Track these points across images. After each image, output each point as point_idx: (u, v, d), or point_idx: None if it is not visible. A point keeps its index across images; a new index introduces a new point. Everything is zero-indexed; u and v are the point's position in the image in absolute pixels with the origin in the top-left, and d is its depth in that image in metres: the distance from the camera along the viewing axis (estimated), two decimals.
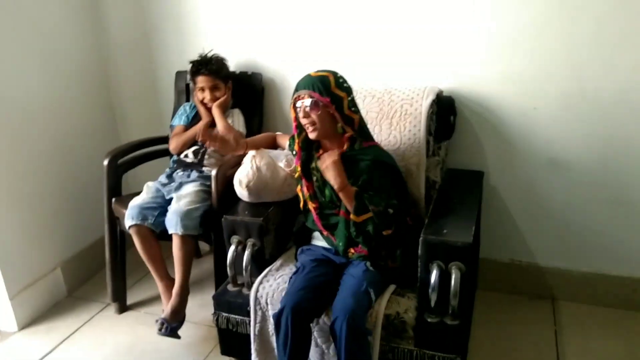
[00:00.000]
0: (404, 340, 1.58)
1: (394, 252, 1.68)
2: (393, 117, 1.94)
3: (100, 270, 2.46)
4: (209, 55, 2.19)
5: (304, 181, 1.75)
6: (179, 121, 2.27)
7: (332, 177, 1.61)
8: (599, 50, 1.86)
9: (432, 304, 1.50)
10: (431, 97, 1.92)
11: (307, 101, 1.60)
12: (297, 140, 1.73)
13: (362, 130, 1.69)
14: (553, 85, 1.95)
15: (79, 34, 2.45)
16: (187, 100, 2.36)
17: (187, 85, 2.39)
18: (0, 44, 2.06)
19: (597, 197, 2.04)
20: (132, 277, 2.43)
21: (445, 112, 1.99)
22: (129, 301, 2.34)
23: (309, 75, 1.63)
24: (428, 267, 1.51)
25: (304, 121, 1.64)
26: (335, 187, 1.61)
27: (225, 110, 2.18)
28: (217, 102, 2.16)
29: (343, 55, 2.16)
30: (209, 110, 2.19)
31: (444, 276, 1.48)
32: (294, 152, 1.77)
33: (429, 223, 1.60)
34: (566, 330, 2.04)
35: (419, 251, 1.51)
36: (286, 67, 2.30)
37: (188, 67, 2.23)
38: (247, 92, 2.30)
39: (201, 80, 2.16)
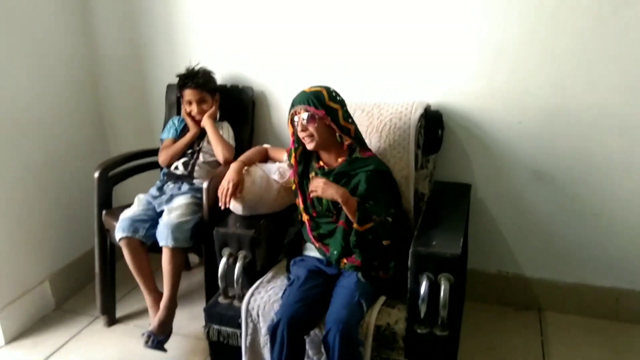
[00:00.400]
0: (394, 351, 1.60)
1: (387, 263, 1.71)
2: (382, 131, 1.97)
3: (89, 283, 2.45)
4: (196, 68, 2.21)
5: (299, 193, 1.79)
6: (168, 134, 2.29)
7: (333, 194, 1.64)
8: (581, 67, 1.92)
9: (422, 315, 1.53)
10: (419, 111, 1.96)
11: (304, 115, 1.68)
12: (294, 154, 1.79)
13: (359, 140, 1.78)
14: (537, 101, 2.00)
15: (69, 47, 2.46)
16: (179, 113, 2.37)
17: (178, 98, 2.40)
18: None
19: (580, 210, 2.09)
20: (121, 290, 2.42)
21: (433, 125, 2.03)
22: (118, 314, 2.33)
23: (303, 92, 1.71)
24: (418, 279, 1.53)
25: (302, 134, 1.71)
26: (340, 200, 1.63)
27: (214, 122, 2.20)
28: (207, 114, 2.18)
29: (332, 70, 2.20)
30: (196, 122, 2.21)
31: (434, 287, 1.51)
32: (291, 165, 1.83)
33: (418, 235, 1.63)
34: (552, 340, 2.07)
35: (409, 262, 1.54)
36: (276, 81, 2.33)
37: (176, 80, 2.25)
38: (238, 105, 2.33)
39: (188, 94, 2.18)
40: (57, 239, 2.44)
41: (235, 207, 1.84)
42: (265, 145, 2.07)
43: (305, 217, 1.80)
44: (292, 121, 1.74)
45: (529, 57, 1.96)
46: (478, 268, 2.27)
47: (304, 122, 1.68)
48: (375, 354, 1.60)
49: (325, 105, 1.67)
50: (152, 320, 1.95)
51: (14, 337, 2.22)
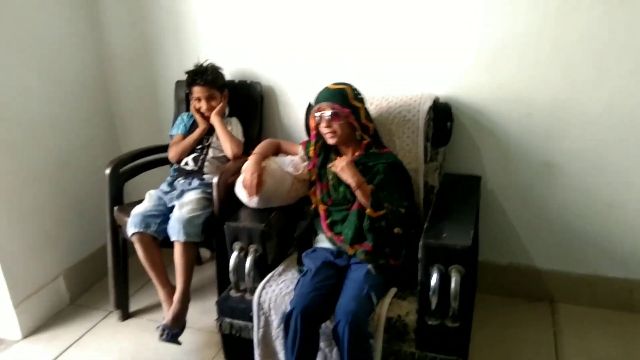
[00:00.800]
0: (405, 343, 1.60)
1: (399, 251, 1.72)
2: (392, 124, 1.97)
3: (102, 278, 2.48)
4: (205, 65, 2.22)
5: (318, 183, 1.85)
6: (177, 130, 2.30)
7: (348, 176, 1.72)
8: (590, 58, 1.90)
9: (433, 306, 1.53)
10: (428, 103, 1.95)
11: (329, 112, 1.75)
12: (314, 147, 1.87)
13: (376, 137, 1.86)
14: (546, 92, 1.98)
15: (78, 46, 2.48)
16: (188, 109, 2.39)
17: (187, 95, 2.42)
18: (0, 60, 2.08)
19: (593, 201, 2.07)
20: (135, 285, 2.44)
21: (442, 118, 2.02)
22: (132, 308, 2.36)
23: (328, 89, 1.79)
24: (428, 271, 1.53)
25: (325, 130, 1.78)
26: (353, 185, 1.71)
27: (222, 118, 2.21)
28: (215, 110, 2.19)
29: (340, 64, 2.20)
30: (205, 118, 2.22)
31: (444, 279, 1.51)
32: (309, 157, 1.89)
33: (428, 227, 1.63)
34: (565, 331, 2.06)
35: (419, 255, 1.54)
36: (285, 76, 2.33)
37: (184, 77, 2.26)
38: (247, 100, 2.33)
39: (197, 91, 2.19)
40: (71, 235, 2.48)
41: (251, 200, 1.85)
42: (273, 140, 2.08)
43: (321, 207, 1.84)
44: (313, 116, 1.80)
45: (537, 49, 1.94)
46: (489, 260, 2.27)
47: (329, 119, 1.75)
48: (386, 346, 1.60)
49: (349, 104, 1.75)
50: (166, 314, 1.97)
51: (31, 332, 2.25)
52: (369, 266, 1.68)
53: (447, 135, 2.07)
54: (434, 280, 1.51)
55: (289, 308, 1.59)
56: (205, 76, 2.18)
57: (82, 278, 2.53)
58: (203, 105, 2.20)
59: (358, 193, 1.71)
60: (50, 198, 2.36)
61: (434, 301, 1.52)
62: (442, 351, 1.57)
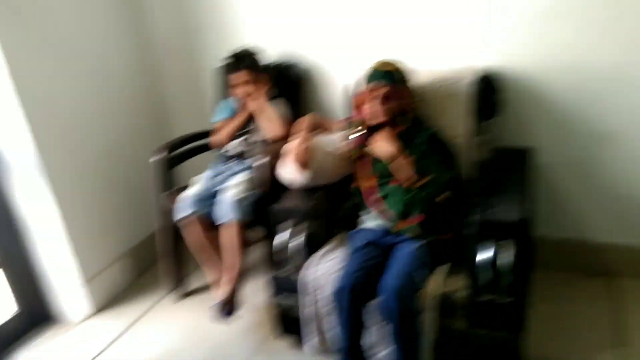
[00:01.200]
0: (456, 320, 1.58)
1: (445, 224, 1.71)
2: (436, 98, 1.92)
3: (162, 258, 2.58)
4: (242, 51, 2.21)
5: (360, 162, 1.87)
6: (221, 116, 2.33)
7: (389, 147, 1.74)
8: None
9: (485, 282, 1.50)
10: (475, 74, 1.89)
11: (383, 91, 1.76)
12: (357, 126, 1.87)
13: (418, 115, 1.85)
14: (602, 58, 1.87)
15: (123, 37, 2.54)
16: (229, 95, 2.41)
17: (227, 81, 2.45)
18: (50, 55, 2.16)
19: None
20: (191, 266, 2.53)
21: (489, 90, 1.95)
22: (189, 288, 2.45)
23: (376, 68, 1.80)
24: (479, 246, 1.50)
25: (375, 108, 1.78)
26: (394, 152, 1.73)
27: (265, 101, 2.21)
28: (255, 95, 2.18)
29: (381, 39, 2.16)
30: (247, 104, 2.23)
31: (496, 254, 1.47)
32: (354, 135, 1.88)
33: (478, 202, 1.59)
34: (626, 307, 1.97)
35: (471, 230, 1.51)
36: (323, 55, 2.31)
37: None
38: (286, 82, 2.33)
39: (236, 77, 2.19)
40: (133, 217, 2.60)
41: (300, 177, 1.86)
42: (315, 116, 2.08)
43: (366, 184, 1.83)
44: (360, 95, 1.82)
45: (591, 11, 1.83)
46: (546, 234, 2.19)
47: (378, 98, 1.76)
48: (436, 322, 1.59)
49: (402, 82, 1.79)
50: (219, 294, 2.03)
51: (98, 309, 2.39)
52: (417, 243, 1.66)
53: (495, 108, 2.00)
54: (485, 255, 1.48)
55: (336, 287, 1.61)
56: (243, 61, 2.18)
57: (144, 258, 2.65)
58: (243, 91, 2.20)
59: (398, 164, 1.72)
60: (110, 184, 2.48)
61: (485, 277, 1.49)
62: (494, 327, 1.54)
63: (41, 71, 2.11)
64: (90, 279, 2.35)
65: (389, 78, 1.78)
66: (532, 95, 2.01)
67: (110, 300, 2.46)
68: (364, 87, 1.82)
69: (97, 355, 2.10)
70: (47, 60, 2.14)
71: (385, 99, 1.77)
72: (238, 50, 2.22)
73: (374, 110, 1.80)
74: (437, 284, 1.60)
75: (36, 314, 2.31)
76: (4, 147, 2.08)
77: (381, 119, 1.80)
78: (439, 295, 1.58)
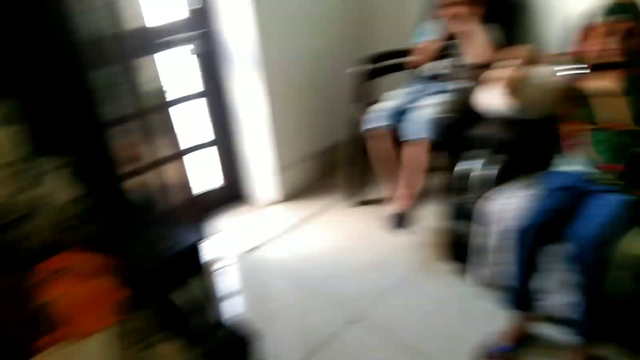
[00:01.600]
0: None
1: None
2: None
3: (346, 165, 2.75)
4: None
5: (570, 101, 1.71)
6: (422, 37, 2.27)
7: (609, 83, 1.57)
8: None
9: None
10: None
11: (627, 26, 1.56)
12: (579, 61, 1.68)
13: None
14: None
15: None
16: (434, 17, 2.33)
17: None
18: None
19: None
20: (370, 177, 2.63)
21: None
22: (365, 197, 2.57)
23: (620, 2, 1.60)
24: None
25: (613, 45, 1.58)
26: (612, 91, 1.56)
27: (475, 23, 2.09)
28: (466, 19, 2.06)
29: None
30: (455, 25, 2.13)
31: None
32: (572, 72, 1.71)
33: None
34: None
35: None
36: None
37: None
38: (502, 7, 2.18)
39: None
40: (324, 122, 2.77)
41: (503, 105, 1.79)
42: (533, 48, 1.92)
43: (575, 127, 1.69)
44: (592, 29, 1.63)
45: None
46: None
47: (623, 34, 1.56)
48: (628, 282, 1.45)
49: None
50: (394, 207, 2.11)
51: (288, 197, 2.67)
52: (618, 196, 1.52)
53: None
54: None
55: (522, 224, 1.57)
56: None
57: (330, 162, 2.83)
58: (455, 11, 2.11)
59: (617, 103, 1.55)
60: (312, 87, 2.65)
61: None
62: None
63: None
64: (282, 169, 2.62)
65: (634, 12, 1.56)
66: None
67: (295, 192, 2.71)
68: (598, 19, 1.62)
69: (274, 237, 2.38)
70: None
71: (628, 35, 1.56)
72: None
73: (608, 48, 1.59)
74: (634, 244, 1.45)
75: (235, 190, 2.67)
76: (230, 39, 2.34)
77: (616, 58, 1.59)
78: (634, 256, 1.43)
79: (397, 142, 2.16)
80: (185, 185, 2.02)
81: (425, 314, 1.87)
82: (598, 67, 1.66)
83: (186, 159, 2.30)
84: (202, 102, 2.44)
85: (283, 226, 2.46)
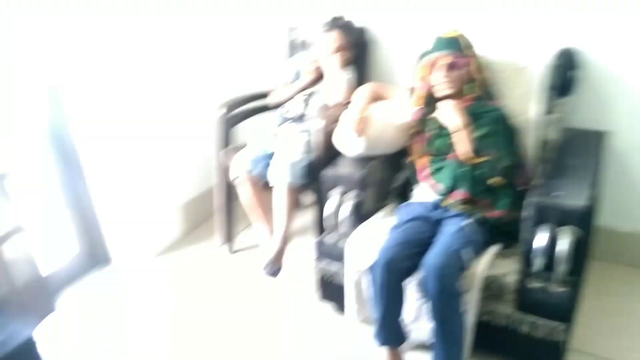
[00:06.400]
0: (503, 304, 1.53)
1: (498, 200, 1.64)
2: (505, 72, 1.82)
3: (213, 215, 2.65)
4: (341, 17, 2.17)
5: (419, 134, 1.82)
6: (287, 73, 2.33)
7: (453, 117, 1.67)
8: None
9: (538, 268, 1.43)
10: (549, 49, 1.77)
11: (447, 61, 1.69)
12: (420, 97, 1.81)
13: (485, 89, 1.77)
14: None
15: None
16: (295, 54, 2.39)
17: (294, 41, 2.43)
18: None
19: None
20: (241, 224, 2.58)
21: (565, 65, 1.81)
22: (239, 244, 2.51)
23: (443, 38, 1.72)
24: (536, 230, 1.43)
25: (440, 80, 1.72)
26: (455, 125, 1.66)
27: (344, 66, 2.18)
28: (338, 54, 2.14)
29: (451, 7, 2.05)
30: (313, 71, 2.20)
31: (553, 240, 1.40)
32: (415, 107, 1.83)
33: (540, 184, 1.51)
34: None
35: (528, 212, 1.44)
36: (391, 22, 2.23)
37: (299, 24, 2.27)
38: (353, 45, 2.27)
39: (327, 37, 2.14)
40: (188, 173, 2.67)
41: (356, 145, 1.84)
42: (375, 85, 2.02)
43: (421, 158, 1.80)
44: (426, 65, 1.74)
45: None
46: (610, 225, 2.06)
47: (446, 69, 1.69)
48: (481, 304, 1.54)
49: (467, 54, 1.71)
50: (266, 253, 2.07)
51: (156, 255, 2.51)
52: (465, 221, 1.60)
53: (571, 85, 1.86)
54: (541, 240, 1.41)
55: (374, 260, 1.59)
56: (346, 26, 2.15)
57: (199, 212, 2.73)
58: (330, 51, 2.15)
59: (460, 136, 1.65)
60: (172, 138, 2.52)
61: (539, 263, 1.43)
62: (544, 315, 1.47)
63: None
64: (146, 227, 2.45)
65: (453, 46, 1.70)
66: (613, 74, 1.86)
67: (165, 249, 2.56)
68: (428, 56, 1.74)
69: (146, 300, 2.21)
70: None
71: (450, 68, 1.69)
72: (342, 17, 2.18)
73: (439, 82, 1.72)
74: (485, 264, 1.54)
75: (96, 255, 2.44)
76: (75, 97, 2.17)
77: (447, 91, 1.72)
78: (487, 276, 1.52)
79: (265, 186, 2.14)
80: (28, 265, 1.81)
81: (307, 358, 1.83)
82: (434, 100, 1.79)
83: (30, 232, 2.08)
84: (48, 166, 2.21)
85: (155, 287, 2.29)
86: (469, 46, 1.73)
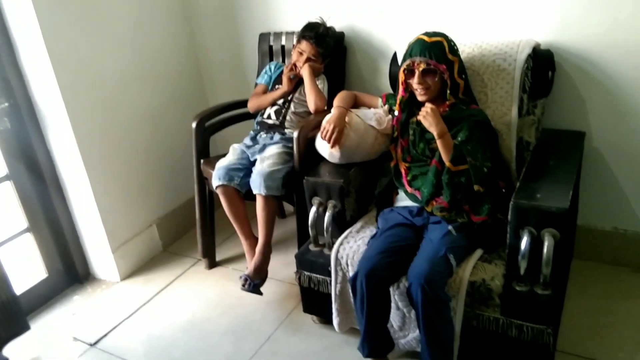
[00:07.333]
0: (489, 308, 1.51)
1: (479, 207, 1.61)
2: (484, 74, 1.81)
3: (193, 227, 2.59)
4: (325, 25, 2.15)
5: (399, 139, 1.79)
6: (262, 80, 2.30)
7: (432, 124, 1.62)
8: None
9: (522, 271, 1.42)
10: (527, 50, 1.76)
11: (424, 68, 1.64)
12: (399, 102, 1.77)
13: (466, 93, 1.73)
14: None
15: (167, 3, 2.52)
16: (272, 60, 2.36)
17: (270, 47, 2.40)
18: (94, 19, 2.16)
19: None
20: (221, 235, 2.54)
21: (542, 67, 1.82)
22: (218, 258, 2.46)
23: (423, 41, 1.66)
24: (518, 233, 1.42)
25: (417, 85, 1.68)
26: (435, 133, 1.62)
27: (315, 76, 2.15)
28: (309, 63, 2.12)
29: (429, 5, 2.04)
30: (290, 81, 2.17)
31: (536, 243, 1.39)
32: (393, 111, 1.81)
33: (520, 187, 1.50)
34: None
35: (509, 216, 1.43)
36: (367, 26, 2.22)
37: (271, 29, 2.25)
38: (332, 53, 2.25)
39: (305, 46, 2.12)
40: (163, 185, 2.61)
41: (333, 154, 1.81)
42: (351, 92, 2.00)
43: (401, 164, 1.78)
44: (404, 69, 1.70)
45: None
46: (590, 224, 2.07)
47: (423, 74, 1.65)
48: (468, 309, 1.52)
49: (445, 59, 1.63)
50: (249, 265, 2.03)
51: (128, 275, 2.43)
52: (449, 226, 1.59)
53: (548, 87, 1.87)
54: (524, 243, 1.40)
55: (354, 271, 1.56)
56: (322, 38, 2.11)
57: (174, 227, 2.67)
58: (302, 60, 2.13)
59: (439, 143, 1.62)
60: (143, 150, 2.48)
61: (523, 266, 1.41)
62: (530, 319, 1.46)
63: (80, 37, 2.12)
64: (121, 244, 2.38)
65: (428, 52, 1.62)
66: (589, 75, 1.87)
67: (142, 264, 2.50)
68: (407, 60, 1.70)
69: (126, 318, 2.14)
70: (88, 25, 2.15)
71: (426, 74, 1.65)
72: (320, 23, 2.15)
73: (415, 88, 1.70)
74: (470, 269, 1.53)
75: (71, 275, 2.37)
76: (39, 111, 2.10)
77: (423, 97, 1.69)
78: (472, 281, 1.51)
79: (245, 196, 2.09)
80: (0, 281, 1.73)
81: None
82: (413, 105, 1.77)
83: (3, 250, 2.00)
84: (7, 187, 2.13)
85: (133, 305, 2.22)
86: (451, 49, 1.66)
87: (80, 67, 2.13)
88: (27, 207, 2.19)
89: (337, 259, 1.70)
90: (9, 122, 2.06)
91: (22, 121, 2.10)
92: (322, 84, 2.19)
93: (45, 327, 2.13)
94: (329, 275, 1.74)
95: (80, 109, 2.13)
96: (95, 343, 2.02)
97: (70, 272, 2.37)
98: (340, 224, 1.77)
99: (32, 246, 2.24)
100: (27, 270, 2.26)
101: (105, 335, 2.06)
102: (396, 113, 1.81)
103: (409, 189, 1.74)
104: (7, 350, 1.85)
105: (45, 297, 2.27)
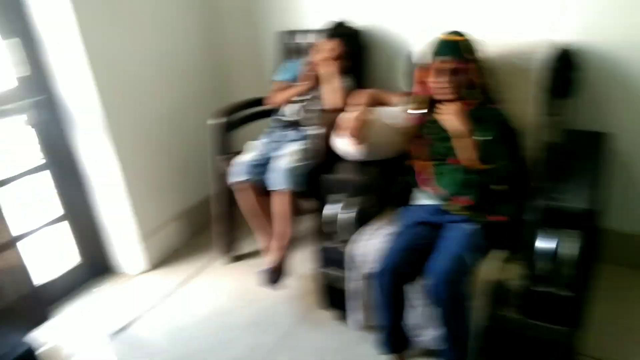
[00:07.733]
0: (508, 308, 1.50)
1: (502, 206, 1.61)
2: (502, 73, 1.79)
3: (216, 222, 2.64)
4: (344, 23, 2.17)
5: (420, 139, 1.78)
6: (283, 77, 2.31)
7: (457, 124, 1.63)
8: None
9: (540, 272, 1.41)
10: (547, 50, 1.74)
11: (451, 65, 1.64)
12: (421, 101, 1.77)
13: (488, 94, 1.72)
14: None
15: (189, 3, 2.57)
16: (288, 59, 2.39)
17: (290, 45, 2.43)
18: (114, 16, 2.20)
19: None
20: (242, 231, 2.57)
21: (564, 67, 1.79)
22: (240, 252, 2.49)
23: (445, 41, 1.67)
24: (539, 234, 1.40)
25: (440, 85, 1.68)
26: (457, 134, 1.62)
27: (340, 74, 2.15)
28: (336, 62, 2.12)
29: (447, 4, 2.03)
30: (312, 77, 2.18)
31: (558, 244, 1.37)
32: (414, 112, 1.80)
33: (542, 187, 1.48)
34: None
35: (531, 216, 1.41)
36: (386, 23, 2.23)
37: (291, 27, 2.27)
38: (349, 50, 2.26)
39: (326, 43, 2.13)
40: (189, 179, 2.66)
41: (354, 151, 1.82)
42: (374, 90, 2.01)
43: (422, 163, 1.77)
44: (426, 68, 1.70)
45: None
46: (617, 227, 2.03)
47: (448, 74, 1.65)
48: (487, 309, 1.51)
49: (471, 58, 1.65)
50: (268, 260, 2.05)
51: (152, 267, 2.49)
52: (470, 225, 1.58)
53: (571, 87, 1.84)
54: (545, 244, 1.39)
55: (377, 267, 1.58)
56: (346, 36, 2.14)
57: (198, 220, 2.71)
58: (327, 58, 2.12)
59: (463, 143, 1.61)
60: (169, 145, 2.53)
61: (542, 267, 1.40)
62: (550, 320, 1.45)
63: (111, 34, 2.17)
64: (146, 236, 2.44)
65: (456, 51, 1.64)
66: (614, 75, 1.84)
67: (164, 258, 2.55)
68: (428, 60, 1.71)
69: (148, 310, 2.19)
70: (117, 23, 2.20)
71: (453, 74, 1.65)
72: (341, 21, 2.17)
73: (440, 87, 1.69)
74: (490, 269, 1.52)
75: (96, 266, 2.43)
76: (72, 104, 2.16)
77: (449, 96, 1.69)
78: (492, 281, 1.50)
79: (264, 192, 2.12)
80: (21, 276, 1.79)
81: None
82: (433, 103, 1.76)
83: (26, 243, 2.07)
84: (45, 176, 2.20)
85: (156, 297, 2.27)
86: (472, 50, 1.67)
87: (114, 64, 2.19)
88: (62, 196, 2.26)
89: (353, 256, 1.71)
90: (45, 115, 2.13)
91: (56, 114, 2.17)
92: (348, 82, 2.19)
93: (69, 315, 2.20)
94: (347, 272, 1.75)
95: (113, 104, 2.19)
96: (117, 333, 2.07)
97: (97, 262, 2.44)
98: (358, 222, 1.78)
99: (67, 234, 2.32)
100: (58, 257, 2.33)
101: (128, 325, 2.11)
102: (417, 112, 1.81)
103: (429, 188, 1.73)
104: (30, 337, 1.91)
105: (70, 286, 2.34)
